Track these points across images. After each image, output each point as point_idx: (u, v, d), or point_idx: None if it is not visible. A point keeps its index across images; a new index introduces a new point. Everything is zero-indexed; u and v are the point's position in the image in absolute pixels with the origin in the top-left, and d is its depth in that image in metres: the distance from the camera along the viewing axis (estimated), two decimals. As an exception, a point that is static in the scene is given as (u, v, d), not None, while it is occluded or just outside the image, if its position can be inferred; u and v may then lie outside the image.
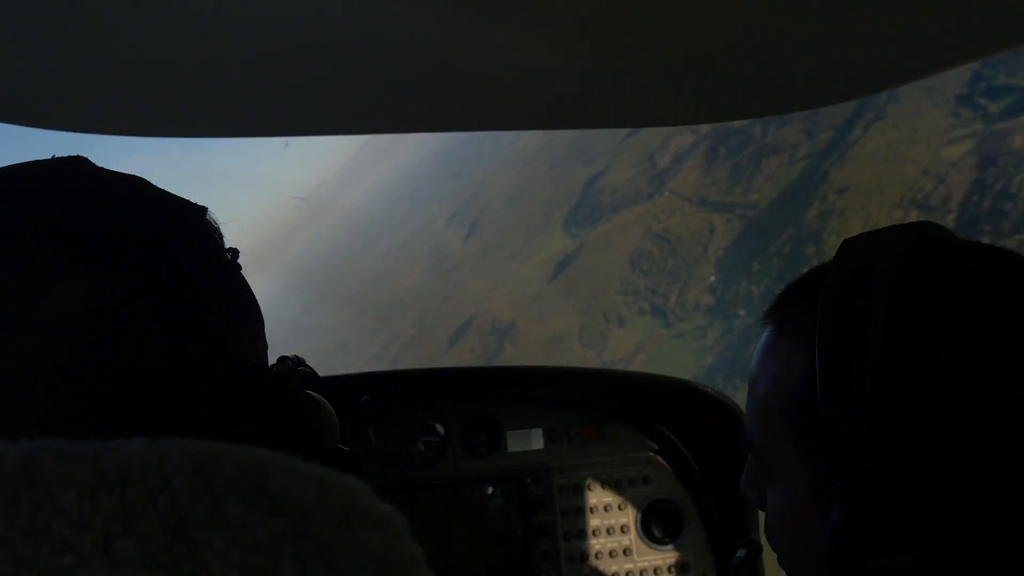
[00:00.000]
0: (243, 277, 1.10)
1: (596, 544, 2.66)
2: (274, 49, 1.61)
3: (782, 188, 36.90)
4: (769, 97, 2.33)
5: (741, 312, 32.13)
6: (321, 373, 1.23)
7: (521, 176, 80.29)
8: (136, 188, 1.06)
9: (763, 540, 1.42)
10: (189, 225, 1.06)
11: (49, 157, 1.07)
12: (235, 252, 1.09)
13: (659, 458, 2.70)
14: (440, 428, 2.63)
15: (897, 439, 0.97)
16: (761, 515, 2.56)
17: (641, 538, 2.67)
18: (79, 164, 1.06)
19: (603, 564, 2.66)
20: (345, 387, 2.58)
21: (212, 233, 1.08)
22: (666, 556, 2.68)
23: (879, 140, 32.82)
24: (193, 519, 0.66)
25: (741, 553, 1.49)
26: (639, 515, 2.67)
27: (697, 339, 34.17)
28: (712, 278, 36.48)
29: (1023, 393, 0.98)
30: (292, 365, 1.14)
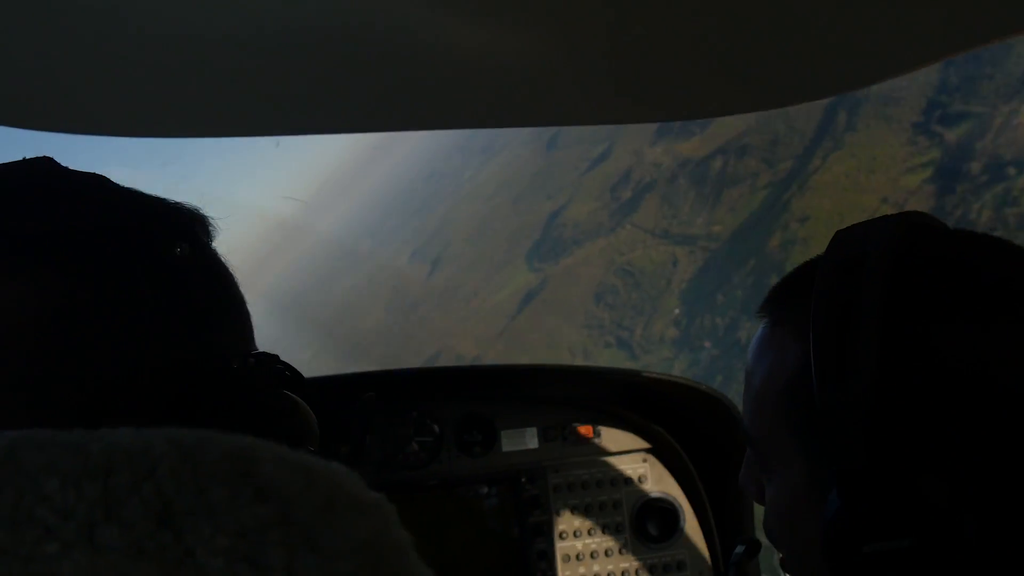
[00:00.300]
0: (224, 272, 1.09)
1: (592, 543, 2.65)
2: (263, 46, 1.61)
3: (744, 219, 37.27)
4: (756, 92, 2.36)
5: (707, 344, 32.29)
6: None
7: (483, 211, 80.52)
8: (94, 186, 1.05)
9: (762, 537, 1.43)
10: (150, 221, 1.04)
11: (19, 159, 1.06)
12: (204, 226, 1.08)
13: (654, 457, 2.70)
14: (434, 428, 2.61)
15: (890, 426, 0.98)
16: (758, 513, 2.58)
17: (636, 537, 2.66)
18: (41, 164, 1.05)
19: (599, 563, 2.64)
20: (337, 388, 2.56)
21: (187, 228, 1.07)
22: (661, 555, 2.67)
23: (839, 169, 33.30)
24: (178, 506, 0.65)
25: (740, 549, 1.50)
26: (634, 514, 2.66)
27: (664, 372, 34.26)
28: (676, 311, 36.66)
29: (1013, 382, 0.99)
30: (268, 363, 1.09)
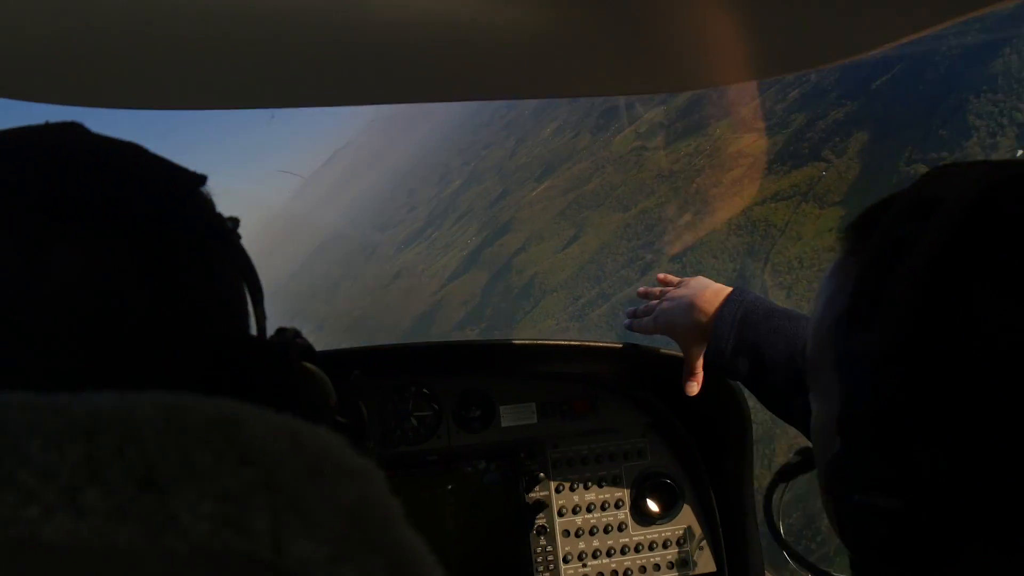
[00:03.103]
0: (243, 247, 1.09)
1: (591, 519, 2.64)
2: (264, 19, 1.59)
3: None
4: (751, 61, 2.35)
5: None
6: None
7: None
8: (134, 154, 1.05)
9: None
10: (189, 193, 1.05)
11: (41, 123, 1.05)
12: (235, 221, 1.08)
13: (654, 431, 2.69)
14: (433, 403, 2.60)
15: (902, 384, 0.96)
16: (757, 497, 2.57)
17: (636, 512, 2.66)
18: (75, 129, 1.04)
19: (598, 539, 2.64)
20: (337, 362, 2.55)
21: (211, 202, 1.07)
22: (661, 530, 2.66)
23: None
24: (162, 470, 0.65)
25: (794, 459, 1.46)
26: (633, 489, 2.65)
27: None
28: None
29: None
30: (290, 336, 1.12)
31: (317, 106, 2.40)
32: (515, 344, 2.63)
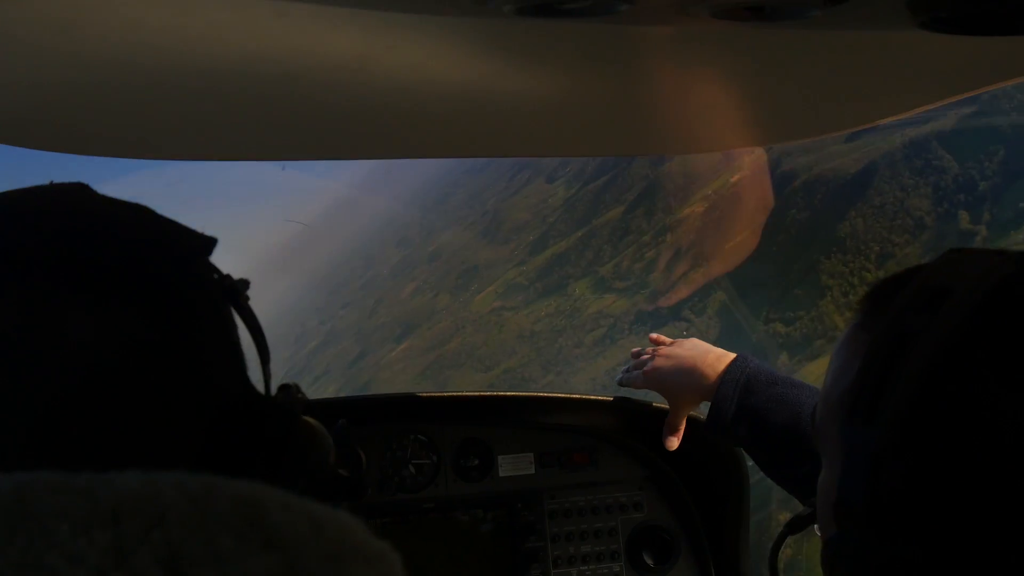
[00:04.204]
0: (251, 308, 1.11)
1: (586, 570, 2.63)
2: (275, 75, 1.64)
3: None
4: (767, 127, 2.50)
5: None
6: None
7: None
8: (142, 217, 1.06)
9: None
10: (198, 255, 1.07)
11: (47, 183, 1.06)
12: (245, 283, 1.10)
13: (651, 485, 2.70)
14: (432, 451, 2.59)
15: (897, 479, 0.97)
16: (753, 546, 2.61)
17: (631, 565, 2.65)
18: (81, 191, 1.06)
19: None
20: (336, 411, 2.53)
21: (216, 266, 1.09)
22: None
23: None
24: (187, 554, 0.65)
25: (805, 511, 1.47)
26: (629, 542, 2.65)
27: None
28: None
29: None
30: (294, 393, 1.14)
31: (324, 159, 2.44)
32: (516, 396, 2.65)
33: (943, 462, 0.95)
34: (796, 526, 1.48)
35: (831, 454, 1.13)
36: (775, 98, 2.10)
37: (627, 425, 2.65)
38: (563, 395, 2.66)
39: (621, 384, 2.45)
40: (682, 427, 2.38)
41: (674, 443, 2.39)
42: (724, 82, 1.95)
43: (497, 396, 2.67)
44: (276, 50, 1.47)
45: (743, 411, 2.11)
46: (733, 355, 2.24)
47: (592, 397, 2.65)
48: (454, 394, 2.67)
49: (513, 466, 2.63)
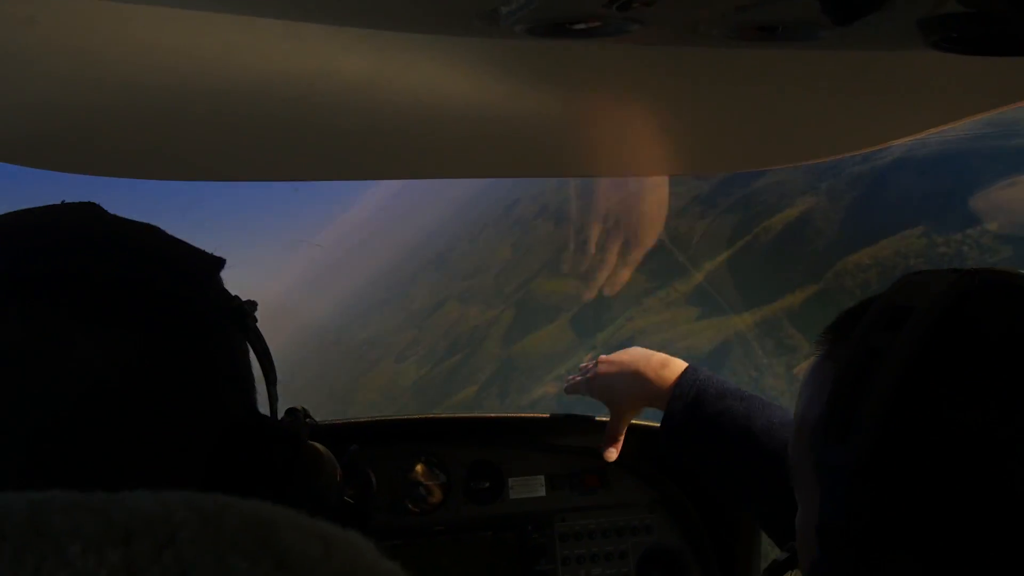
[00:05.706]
0: (259, 330, 1.11)
1: None
2: (288, 96, 1.66)
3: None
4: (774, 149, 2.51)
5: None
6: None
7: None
8: (152, 237, 1.06)
9: None
10: (207, 276, 1.07)
11: (58, 202, 1.07)
12: (253, 304, 1.11)
13: (661, 508, 2.69)
14: (442, 474, 2.58)
15: (876, 498, 0.97)
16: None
17: None
18: (92, 211, 1.06)
19: None
20: (346, 433, 2.53)
21: (224, 287, 1.10)
22: None
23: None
24: (197, 574, 0.65)
25: (782, 557, 1.46)
26: (640, 564, 2.63)
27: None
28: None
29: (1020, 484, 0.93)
30: (301, 417, 1.15)
31: (337, 179, 2.45)
32: (527, 418, 2.65)
33: (914, 478, 0.96)
34: (775, 571, 1.46)
35: (807, 487, 1.14)
36: (788, 119, 2.11)
37: (637, 447, 2.64)
38: (574, 415, 2.65)
39: (567, 392, 2.49)
40: (622, 436, 2.42)
41: (613, 454, 2.43)
42: (734, 103, 1.96)
43: (508, 418, 2.67)
44: (289, 71, 1.49)
45: (692, 425, 2.13)
46: (676, 360, 2.25)
47: (603, 419, 2.64)
48: (464, 416, 2.67)
49: (524, 488, 2.62)
